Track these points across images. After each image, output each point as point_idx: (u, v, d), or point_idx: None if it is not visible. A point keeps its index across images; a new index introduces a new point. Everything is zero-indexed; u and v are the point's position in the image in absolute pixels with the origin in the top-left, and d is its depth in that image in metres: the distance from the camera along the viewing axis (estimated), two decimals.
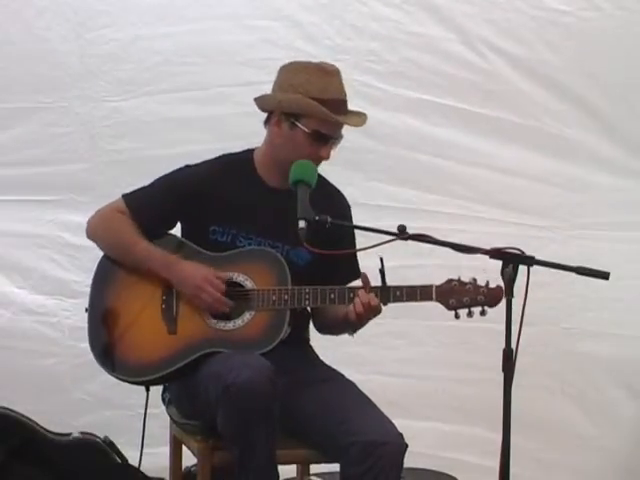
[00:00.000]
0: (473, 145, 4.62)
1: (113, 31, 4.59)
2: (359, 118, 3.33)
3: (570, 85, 4.55)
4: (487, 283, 3.10)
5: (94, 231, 3.42)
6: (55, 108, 4.58)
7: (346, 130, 3.36)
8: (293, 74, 3.30)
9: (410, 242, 3.04)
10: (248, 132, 3.51)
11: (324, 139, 3.25)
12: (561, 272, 3.93)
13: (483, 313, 3.10)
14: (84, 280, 4.50)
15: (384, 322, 3.39)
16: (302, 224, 3.03)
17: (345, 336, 3.64)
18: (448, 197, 4.63)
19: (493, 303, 3.07)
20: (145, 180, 3.44)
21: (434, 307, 3.81)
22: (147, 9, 4.62)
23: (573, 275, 3.95)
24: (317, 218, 3.03)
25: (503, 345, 2.81)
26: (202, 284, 3.22)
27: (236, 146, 3.48)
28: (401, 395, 4.42)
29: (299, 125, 3.24)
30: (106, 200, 3.53)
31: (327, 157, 3.28)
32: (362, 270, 3.37)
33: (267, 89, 4.44)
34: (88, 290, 4.34)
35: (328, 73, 3.27)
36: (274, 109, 3.30)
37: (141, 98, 4.60)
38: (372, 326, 3.30)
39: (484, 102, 4.58)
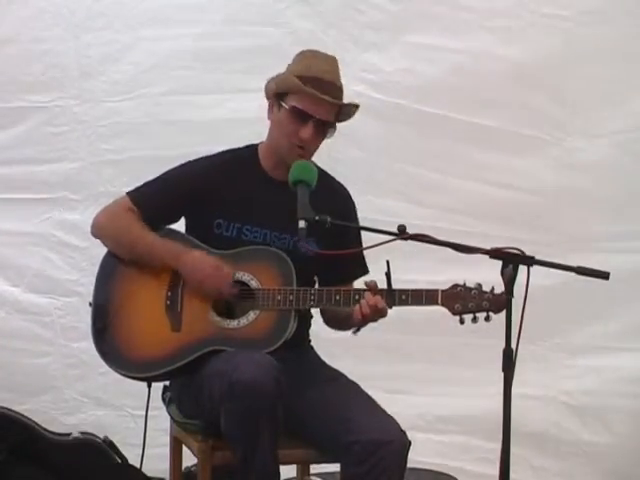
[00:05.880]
0: (470, 158, 4.61)
1: (110, 33, 4.62)
2: (339, 100, 3.26)
3: (571, 92, 4.55)
4: (492, 289, 3.08)
5: (101, 229, 3.38)
6: (52, 108, 4.59)
7: (339, 142, 3.37)
8: (293, 60, 3.34)
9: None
10: (242, 137, 3.51)
11: (303, 117, 3.23)
12: (557, 285, 4.00)
13: (488, 319, 3.08)
14: (78, 279, 4.55)
15: (375, 336, 3.39)
16: (302, 224, 3.01)
17: (337, 349, 3.66)
18: (440, 211, 4.61)
19: (498, 309, 3.05)
20: (140, 180, 3.43)
21: (425, 322, 3.84)
22: (144, 12, 4.64)
23: (569, 288, 4.01)
24: (317, 218, 3.01)
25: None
26: (212, 271, 3.21)
27: None
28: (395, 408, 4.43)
29: (283, 104, 3.25)
30: (101, 199, 3.53)
31: (308, 139, 3.23)
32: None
33: (261, 96, 4.49)
34: (81, 290, 4.44)
35: (318, 56, 3.30)
36: (269, 94, 3.32)
37: (137, 100, 4.61)
38: (364, 339, 3.31)
39: (481, 111, 4.57)
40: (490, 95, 4.57)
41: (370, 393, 3.24)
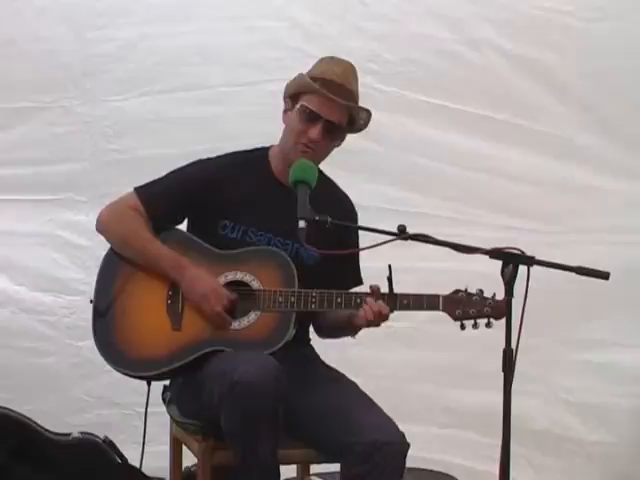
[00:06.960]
0: (474, 148, 4.61)
1: (113, 31, 4.62)
2: (352, 104, 3.27)
3: (572, 86, 4.55)
4: (494, 295, 3.08)
5: (105, 225, 3.38)
6: (55, 108, 4.60)
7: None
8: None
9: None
10: (248, 132, 3.51)
11: (312, 117, 3.24)
12: (558, 280, 3.97)
13: (489, 325, 3.08)
14: (83, 278, 4.54)
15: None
16: (302, 224, 3.01)
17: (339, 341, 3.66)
18: (448, 201, 4.62)
19: (499, 316, 3.05)
20: (144, 179, 3.42)
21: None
22: (147, 9, 4.64)
23: (570, 285, 3.97)
24: (317, 218, 3.00)
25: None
26: (209, 294, 3.20)
27: (236, 146, 3.47)
28: (396, 398, 4.42)
29: (295, 105, 3.28)
30: (105, 199, 3.52)
31: (315, 138, 3.23)
32: (363, 271, 3.41)
33: (267, 89, 4.50)
34: (86, 289, 4.38)
35: (334, 61, 3.31)
36: (285, 95, 3.34)
37: (141, 98, 4.62)
38: (368, 330, 3.28)
39: (486, 104, 4.58)
40: (492, 87, 4.58)
41: (374, 384, 3.26)
